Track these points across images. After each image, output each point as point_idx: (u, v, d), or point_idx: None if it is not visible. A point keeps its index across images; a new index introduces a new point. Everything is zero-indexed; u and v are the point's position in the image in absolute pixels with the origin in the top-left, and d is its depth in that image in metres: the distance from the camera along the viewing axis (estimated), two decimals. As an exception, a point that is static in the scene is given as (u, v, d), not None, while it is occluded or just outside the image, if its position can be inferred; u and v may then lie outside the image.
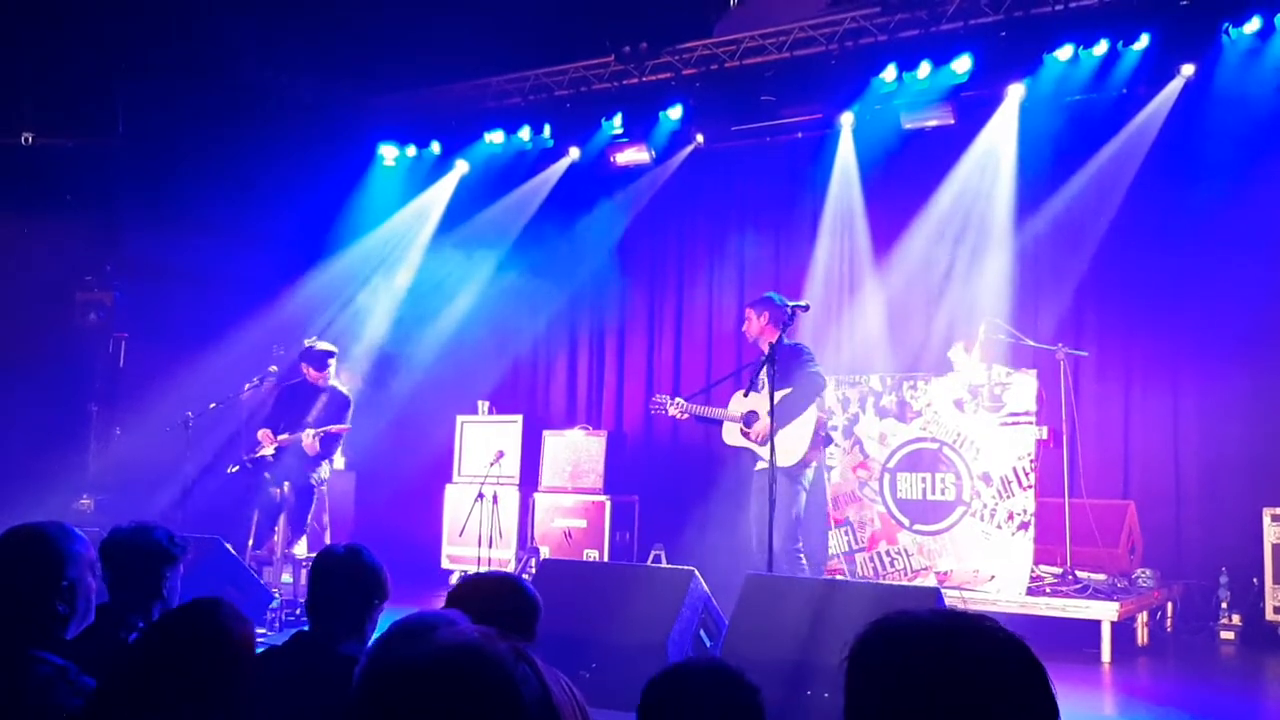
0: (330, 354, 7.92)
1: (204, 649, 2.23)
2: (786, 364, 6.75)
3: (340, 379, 8.15)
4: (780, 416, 6.53)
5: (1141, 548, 7.62)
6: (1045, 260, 8.49)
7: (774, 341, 6.70)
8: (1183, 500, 7.99)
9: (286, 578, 7.54)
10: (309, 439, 7.60)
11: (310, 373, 7.89)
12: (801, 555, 6.80)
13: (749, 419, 6.92)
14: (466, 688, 1.20)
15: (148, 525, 3.27)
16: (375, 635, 2.45)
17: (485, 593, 2.67)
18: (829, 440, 7.19)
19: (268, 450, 7.66)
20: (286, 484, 7.67)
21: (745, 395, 6.78)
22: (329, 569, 3.05)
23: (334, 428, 7.73)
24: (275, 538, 7.61)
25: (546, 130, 9.92)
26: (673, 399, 7.34)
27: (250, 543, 7.65)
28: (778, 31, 8.89)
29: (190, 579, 3.50)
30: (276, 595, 6.86)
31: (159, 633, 2.31)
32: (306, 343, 8.03)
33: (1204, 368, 7.93)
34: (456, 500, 9.44)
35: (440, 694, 1.20)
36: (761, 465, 6.68)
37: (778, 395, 6.45)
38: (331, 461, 8.24)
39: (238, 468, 7.76)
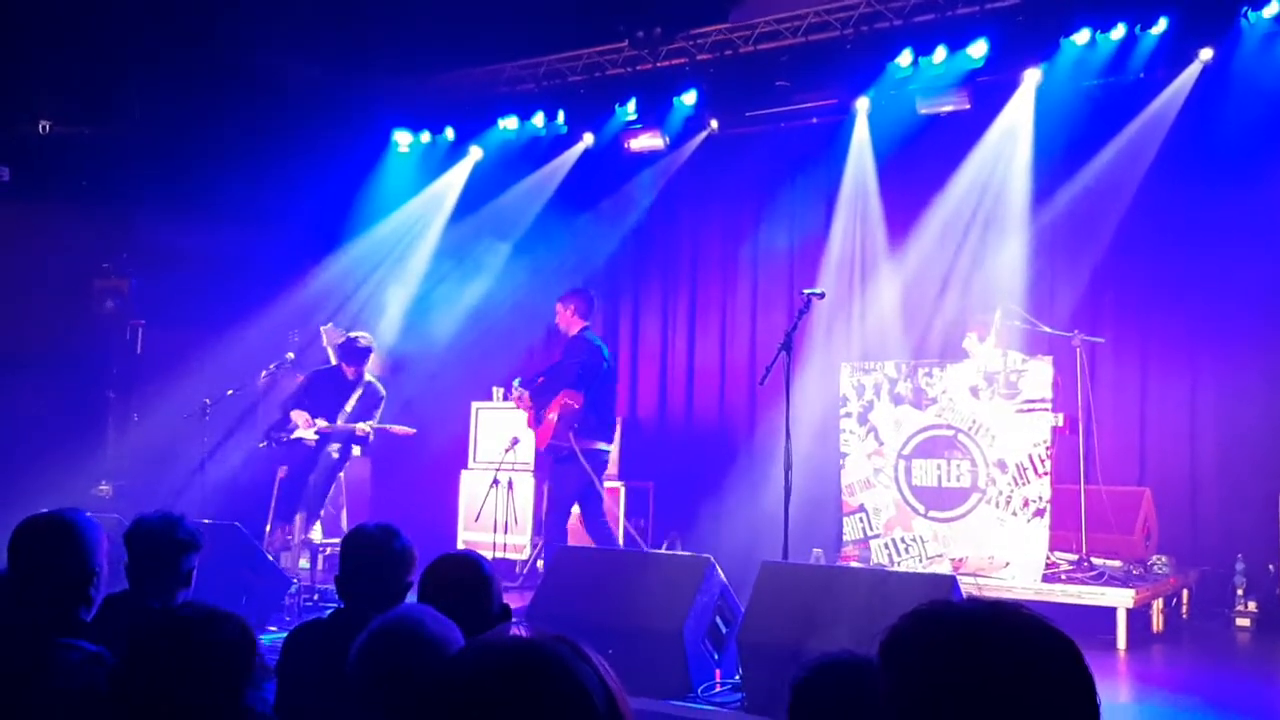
0: (370, 350, 8.10)
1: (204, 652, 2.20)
2: (566, 354, 7.36)
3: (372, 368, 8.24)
4: (537, 403, 7.40)
5: (1157, 534, 7.61)
6: (1061, 246, 8.45)
7: (580, 331, 7.10)
8: (1199, 487, 7.97)
9: (304, 563, 7.58)
10: (366, 428, 7.75)
11: (348, 367, 8.01)
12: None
13: None
14: (541, 691, 1.17)
15: (173, 516, 3.33)
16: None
17: (447, 567, 2.91)
18: (579, 429, 7.17)
19: (308, 434, 7.68)
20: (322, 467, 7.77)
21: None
22: (361, 547, 3.16)
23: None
24: (294, 523, 7.66)
25: (560, 116, 9.91)
26: (518, 387, 7.65)
27: (268, 528, 7.71)
28: (792, 16, 8.85)
29: (208, 565, 3.54)
30: (294, 582, 6.90)
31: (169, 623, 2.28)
32: (358, 337, 8.13)
33: (1220, 354, 7.89)
34: (472, 486, 9.47)
35: (516, 702, 1.16)
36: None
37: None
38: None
39: (266, 443, 7.80)
